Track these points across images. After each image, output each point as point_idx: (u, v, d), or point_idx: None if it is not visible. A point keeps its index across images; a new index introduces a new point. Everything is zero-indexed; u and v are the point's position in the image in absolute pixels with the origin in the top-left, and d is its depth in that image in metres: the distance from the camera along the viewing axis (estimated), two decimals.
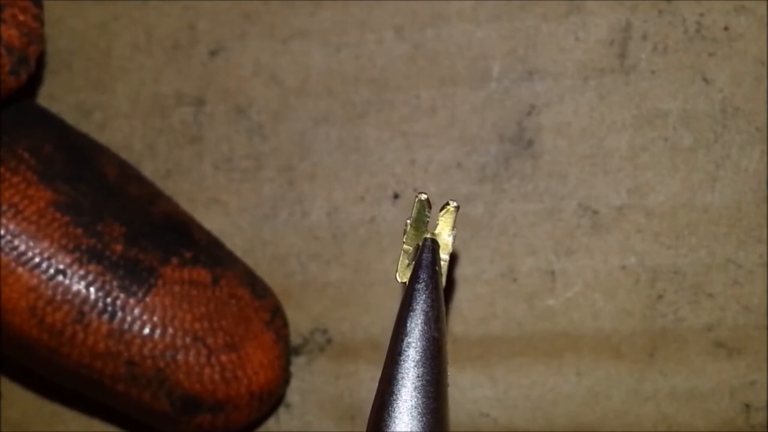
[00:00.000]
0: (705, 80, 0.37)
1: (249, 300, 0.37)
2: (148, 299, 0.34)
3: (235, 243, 0.39)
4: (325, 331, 0.40)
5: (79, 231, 0.34)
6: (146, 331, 0.34)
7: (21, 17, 0.33)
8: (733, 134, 0.37)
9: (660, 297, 0.37)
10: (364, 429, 0.39)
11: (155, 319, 0.34)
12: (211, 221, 0.40)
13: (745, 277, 0.37)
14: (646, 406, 0.37)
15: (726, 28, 0.37)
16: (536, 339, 0.38)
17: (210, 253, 0.37)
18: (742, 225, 0.37)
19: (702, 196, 0.37)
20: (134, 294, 0.34)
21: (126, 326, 0.34)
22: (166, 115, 0.40)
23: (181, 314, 0.35)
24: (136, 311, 0.34)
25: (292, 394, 0.40)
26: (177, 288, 0.35)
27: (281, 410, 0.40)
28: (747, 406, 0.37)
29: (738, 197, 0.37)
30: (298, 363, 0.40)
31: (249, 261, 0.39)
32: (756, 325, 0.37)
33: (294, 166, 0.39)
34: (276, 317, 0.38)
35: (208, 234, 0.39)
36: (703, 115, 0.37)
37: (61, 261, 0.34)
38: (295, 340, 0.40)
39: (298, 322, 0.40)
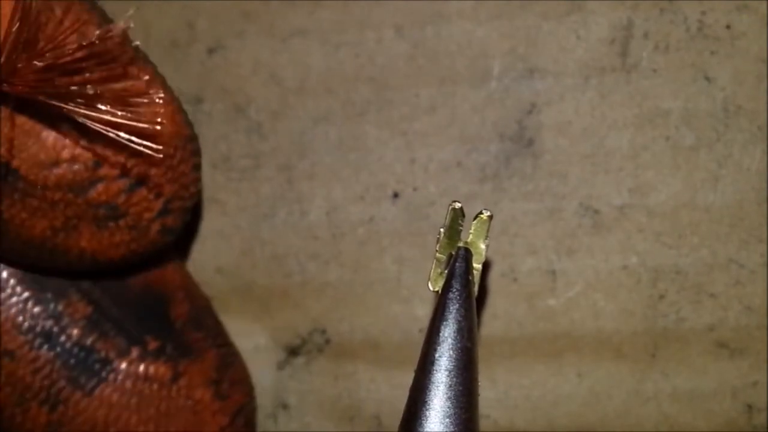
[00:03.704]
0: (707, 79, 0.37)
1: (208, 402, 0.35)
2: (95, 394, 0.33)
3: (234, 243, 0.39)
4: (323, 332, 0.39)
5: (38, 310, 0.33)
6: (86, 428, 0.33)
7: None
8: (735, 133, 0.36)
9: (662, 297, 0.37)
10: (364, 430, 0.39)
11: (98, 416, 0.33)
12: (210, 221, 0.39)
13: (747, 277, 0.37)
14: (648, 407, 0.37)
15: (728, 27, 0.36)
16: (537, 339, 0.38)
17: (181, 340, 0.35)
18: (744, 224, 0.37)
19: (704, 196, 0.37)
20: (81, 387, 0.33)
21: (66, 419, 0.32)
22: None
23: (127, 414, 0.33)
24: (80, 406, 0.32)
25: (291, 395, 0.40)
26: (129, 384, 0.33)
27: (280, 411, 0.40)
28: (749, 406, 0.37)
29: (740, 196, 0.37)
30: (296, 363, 0.40)
31: (247, 261, 0.39)
32: (758, 325, 0.37)
33: (293, 166, 0.39)
34: (237, 419, 0.36)
35: (189, 309, 0.36)
36: (705, 114, 0.37)
37: (11, 341, 0.32)
38: (293, 340, 0.39)
39: (297, 322, 0.39)
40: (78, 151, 0.30)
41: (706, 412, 0.37)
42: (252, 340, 0.40)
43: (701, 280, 0.37)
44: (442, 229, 0.28)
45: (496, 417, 0.38)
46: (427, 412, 0.25)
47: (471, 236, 0.28)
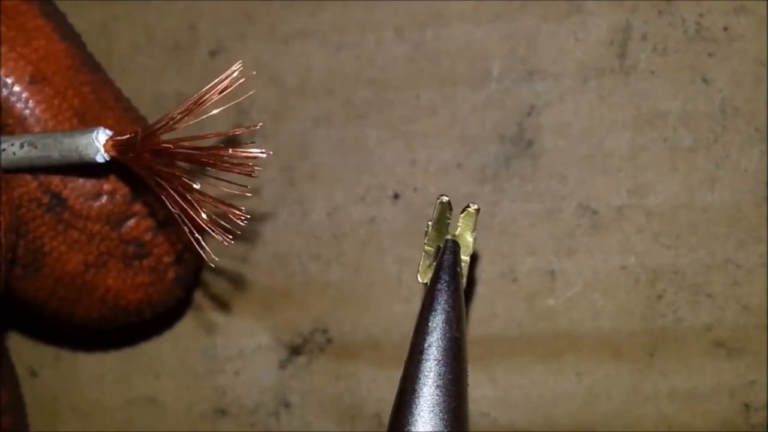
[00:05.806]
0: (705, 80, 0.37)
1: None
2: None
3: (236, 243, 0.39)
4: (325, 331, 0.40)
5: None
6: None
7: None
8: (733, 134, 0.37)
9: (660, 297, 0.37)
10: (365, 429, 0.39)
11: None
12: None
13: (744, 277, 0.37)
14: (646, 407, 0.37)
15: (725, 29, 0.37)
16: (536, 339, 0.38)
17: None
18: (741, 225, 0.37)
19: (702, 197, 0.37)
20: None
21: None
22: None
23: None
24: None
25: (293, 394, 0.40)
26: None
27: (281, 410, 0.40)
28: (747, 406, 0.37)
29: (738, 197, 0.37)
30: (298, 363, 0.40)
31: (249, 261, 0.39)
32: (755, 325, 0.37)
33: (294, 166, 0.39)
34: None
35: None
36: (703, 116, 0.37)
37: None
38: (295, 339, 0.40)
39: (299, 321, 0.40)
40: (117, 183, 0.33)
41: (704, 411, 0.37)
42: (254, 339, 0.40)
43: (699, 281, 0.37)
44: (430, 222, 0.29)
45: (496, 416, 0.39)
46: (417, 401, 0.26)
47: (459, 229, 0.29)
